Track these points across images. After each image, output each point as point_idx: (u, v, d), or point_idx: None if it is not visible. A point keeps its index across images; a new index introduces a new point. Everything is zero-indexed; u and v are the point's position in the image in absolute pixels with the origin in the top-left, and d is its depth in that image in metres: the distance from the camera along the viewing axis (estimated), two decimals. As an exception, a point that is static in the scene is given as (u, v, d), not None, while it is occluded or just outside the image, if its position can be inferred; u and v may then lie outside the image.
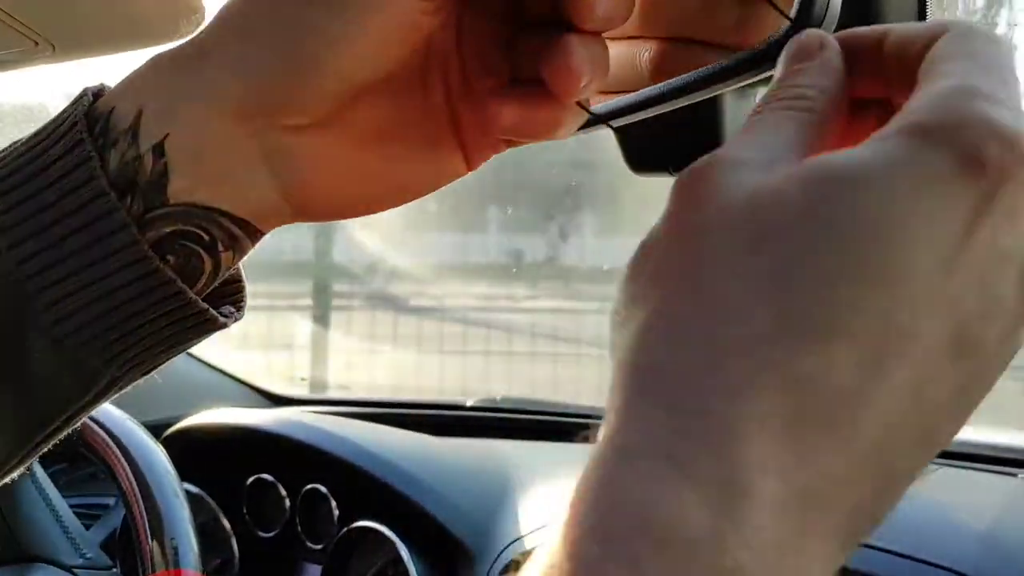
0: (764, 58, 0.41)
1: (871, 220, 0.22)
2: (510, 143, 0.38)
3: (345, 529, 1.02)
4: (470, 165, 0.37)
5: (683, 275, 0.24)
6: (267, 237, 0.39)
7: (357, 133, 0.34)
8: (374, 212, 0.37)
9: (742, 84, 0.45)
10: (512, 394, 1.52)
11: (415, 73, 0.35)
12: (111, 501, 1.14)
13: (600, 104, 0.51)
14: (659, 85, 0.46)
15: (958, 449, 1.08)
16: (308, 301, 3.11)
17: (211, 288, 0.35)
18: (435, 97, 0.36)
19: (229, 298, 0.38)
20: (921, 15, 0.48)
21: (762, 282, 0.23)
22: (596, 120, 0.51)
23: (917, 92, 0.25)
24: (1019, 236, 0.23)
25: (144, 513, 0.74)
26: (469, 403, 1.47)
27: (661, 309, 0.24)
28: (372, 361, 3.27)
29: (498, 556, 0.95)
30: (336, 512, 1.05)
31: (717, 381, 0.22)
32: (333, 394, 2.17)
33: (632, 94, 0.48)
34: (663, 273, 0.24)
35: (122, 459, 0.77)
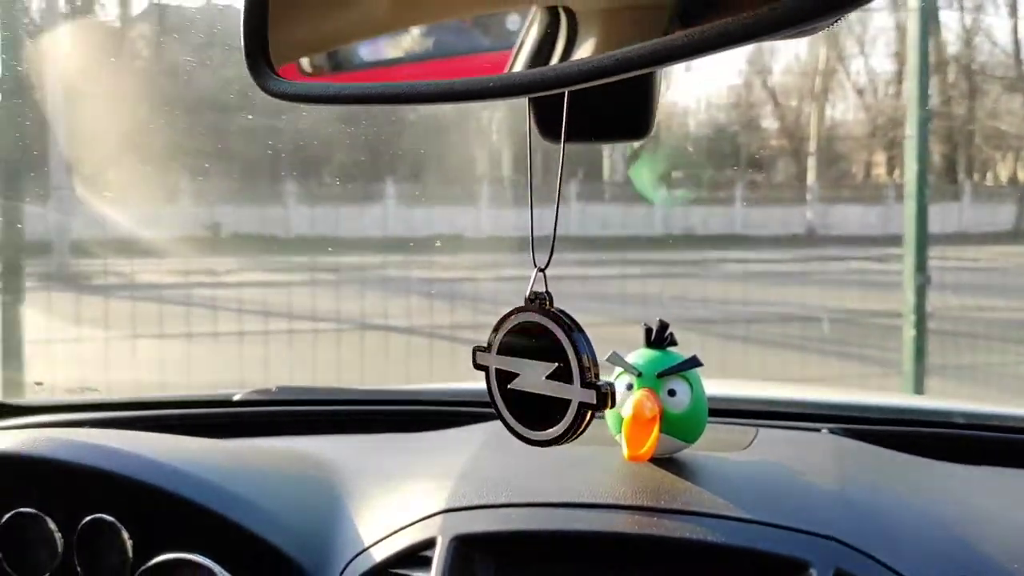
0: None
1: None
2: None
3: (144, 567, 0.86)
4: None
5: None
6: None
7: None
8: None
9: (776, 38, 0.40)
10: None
11: None
12: None
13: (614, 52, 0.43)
14: (681, 34, 0.39)
15: (764, 409, 1.13)
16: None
17: None
18: None
19: None
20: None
21: None
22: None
23: None
24: None
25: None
26: (238, 397, 1.31)
27: None
28: (79, 353, 2.87)
29: (341, 573, 0.84)
30: (130, 544, 0.87)
31: None
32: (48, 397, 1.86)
33: (631, 47, 0.41)
34: None
35: None
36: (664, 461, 0.88)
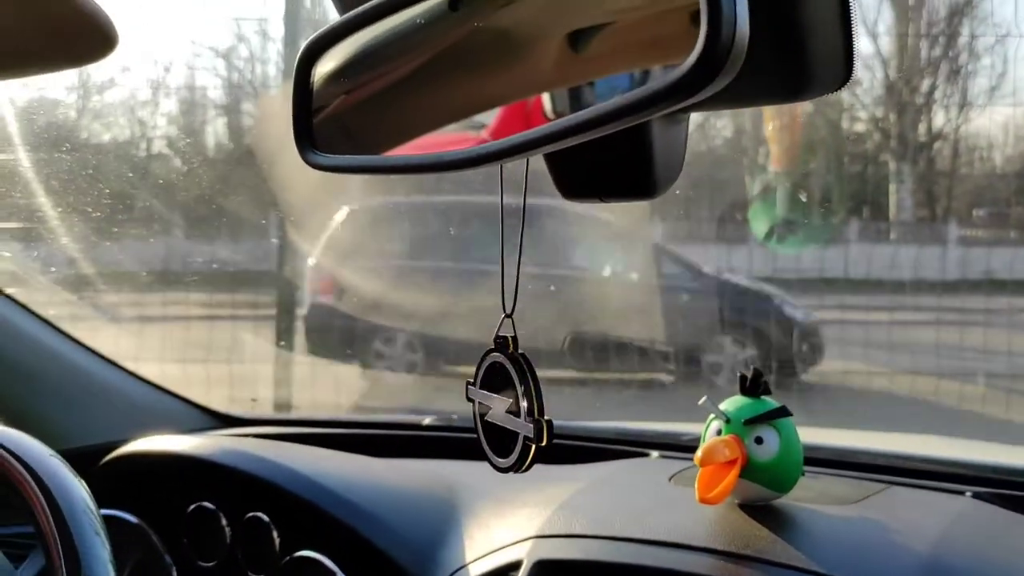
0: (680, 87, 0.40)
1: None
2: None
3: (287, 559, 1.00)
4: None
5: None
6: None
7: None
8: None
9: (660, 113, 0.43)
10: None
11: None
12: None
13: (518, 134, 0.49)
14: (579, 114, 0.44)
15: (906, 465, 1.07)
16: (271, 312, 3.06)
17: None
18: None
19: None
20: (846, 28, 0.47)
21: None
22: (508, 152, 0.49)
23: None
24: None
25: (61, 554, 0.72)
26: (425, 422, 1.45)
27: None
28: (335, 374, 3.24)
29: (441, 584, 0.93)
30: (278, 541, 1.02)
31: None
32: (286, 412, 2.14)
33: (550, 123, 0.47)
34: None
35: (40, 496, 0.74)
36: (754, 508, 0.88)
